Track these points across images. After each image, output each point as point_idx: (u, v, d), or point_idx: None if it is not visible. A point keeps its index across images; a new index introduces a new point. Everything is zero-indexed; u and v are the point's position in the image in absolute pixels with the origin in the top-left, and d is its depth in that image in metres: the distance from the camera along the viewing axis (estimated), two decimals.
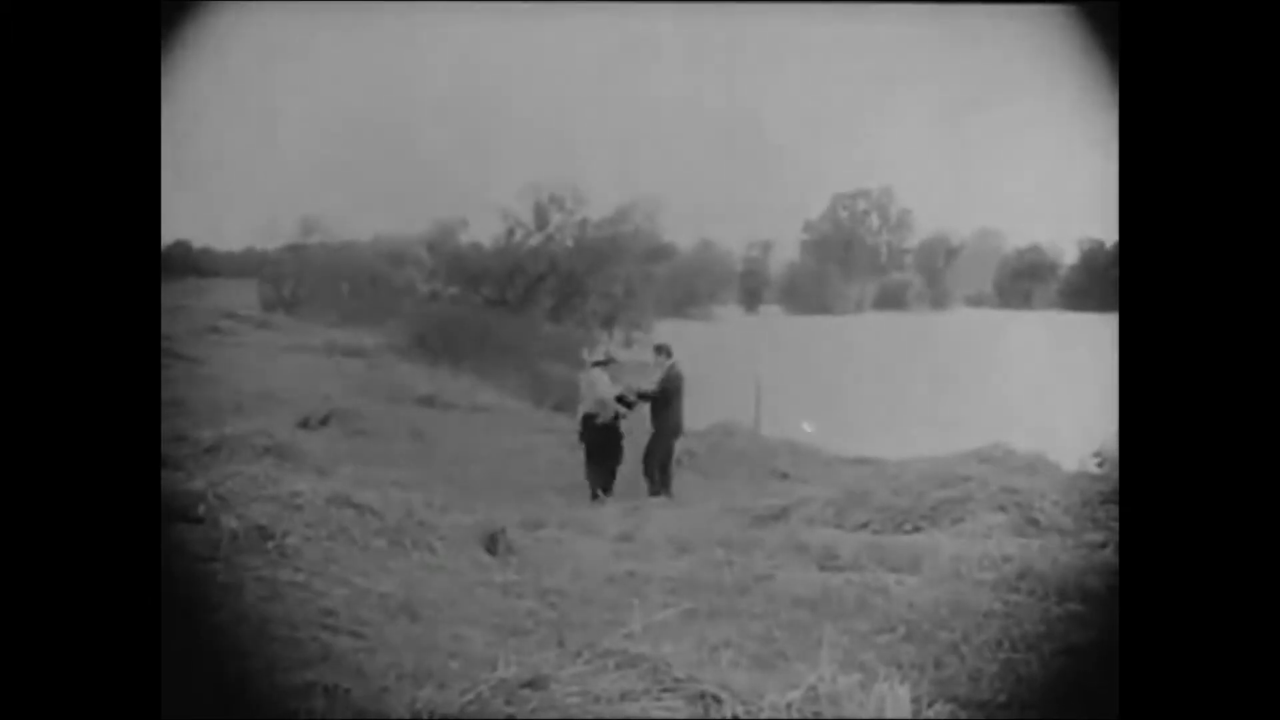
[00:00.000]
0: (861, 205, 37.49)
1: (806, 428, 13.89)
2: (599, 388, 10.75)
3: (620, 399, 10.72)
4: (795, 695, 3.95)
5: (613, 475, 10.66)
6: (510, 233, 27.44)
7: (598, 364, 10.95)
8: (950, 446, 9.38)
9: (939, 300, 37.00)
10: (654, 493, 10.51)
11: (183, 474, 6.66)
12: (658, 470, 10.70)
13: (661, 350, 11.12)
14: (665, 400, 10.73)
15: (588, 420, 10.69)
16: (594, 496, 10.29)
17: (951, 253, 37.69)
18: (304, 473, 7.84)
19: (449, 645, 4.92)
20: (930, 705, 4.22)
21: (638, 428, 10.95)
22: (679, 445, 11.09)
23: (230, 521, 6.00)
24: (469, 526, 6.86)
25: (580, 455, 10.85)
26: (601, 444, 10.66)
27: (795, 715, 3.88)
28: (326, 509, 6.36)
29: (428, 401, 16.59)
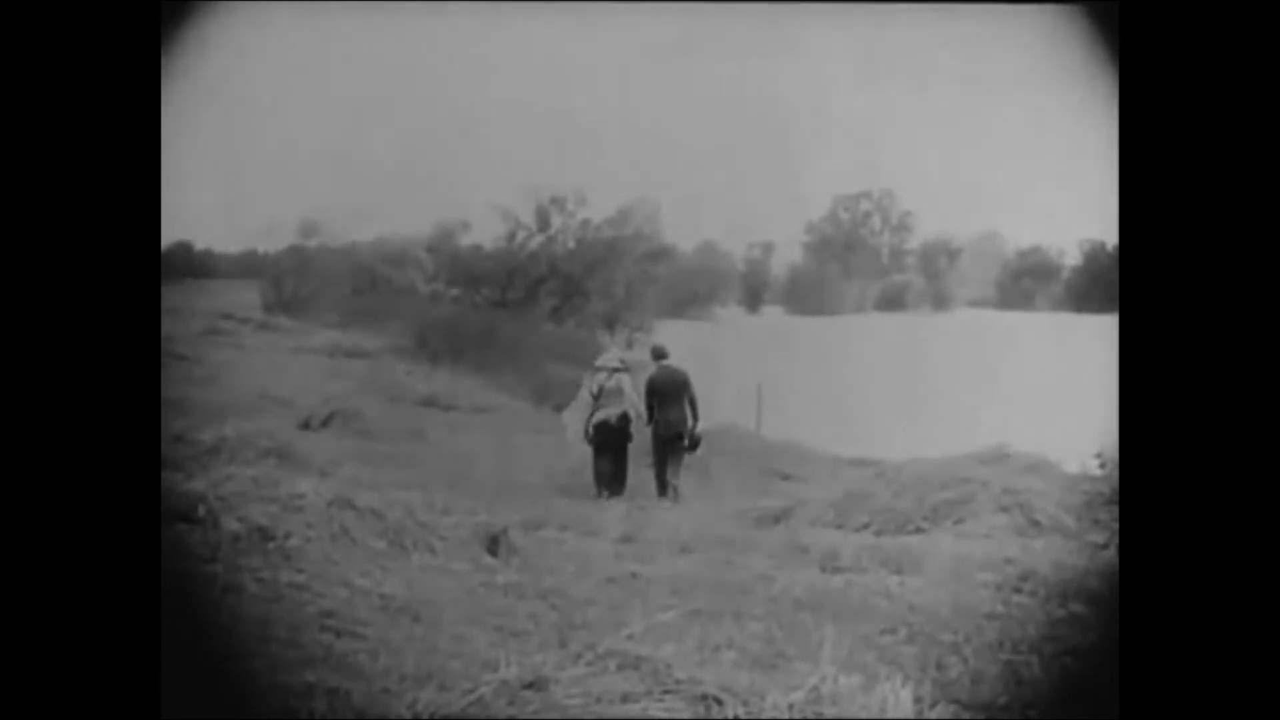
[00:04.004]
0: (863, 206, 37.52)
1: None
2: (630, 393, 10.96)
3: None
4: (797, 696, 3.95)
5: (622, 479, 10.83)
6: (511, 234, 27.46)
7: (617, 370, 11.11)
8: (952, 448, 9.38)
9: (940, 301, 37.01)
10: (660, 495, 10.64)
11: (183, 475, 6.65)
12: (661, 473, 10.81)
13: (654, 353, 11.27)
14: (653, 404, 10.86)
15: (602, 425, 10.83)
16: (607, 496, 10.44)
17: (953, 254, 37.69)
18: (305, 474, 7.84)
19: (450, 646, 4.92)
20: (932, 706, 4.22)
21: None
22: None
23: (231, 522, 6.01)
24: (470, 527, 6.85)
25: (586, 458, 10.99)
26: (616, 446, 10.84)
27: (797, 716, 3.88)
28: (327, 510, 6.36)
29: (429, 402, 16.59)
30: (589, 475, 10.94)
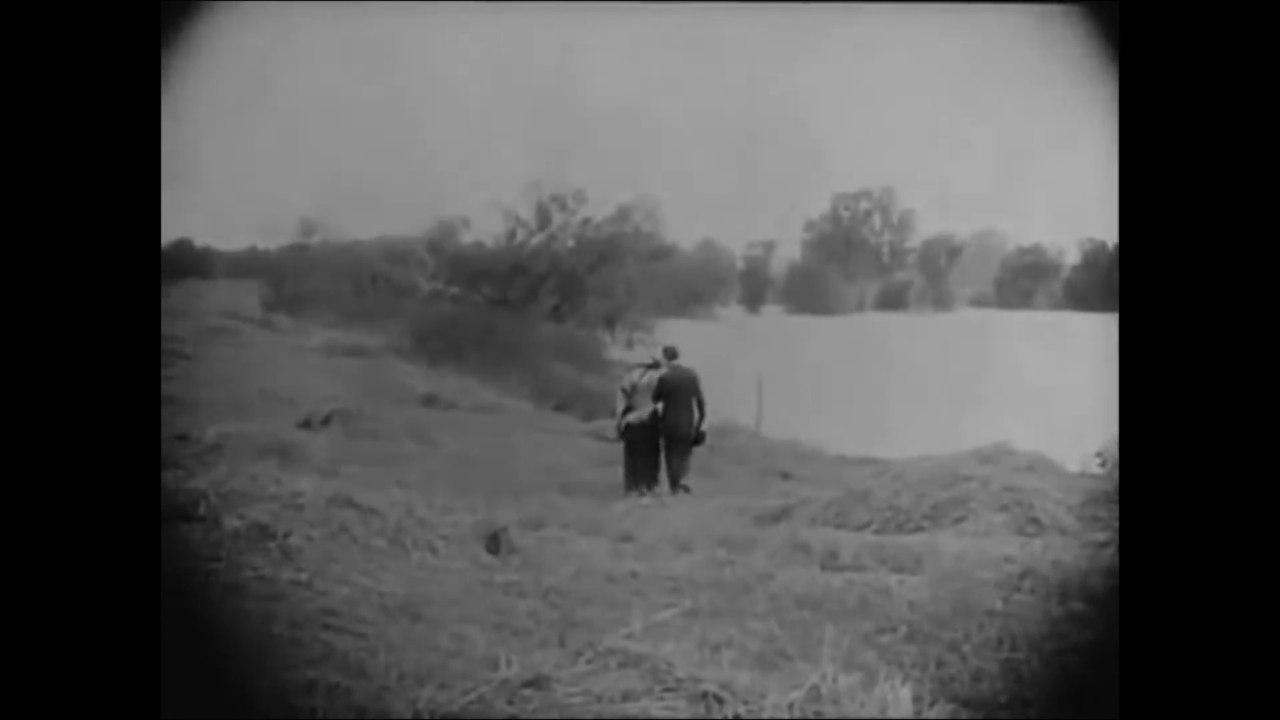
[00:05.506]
0: (863, 205, 37.50)
1: None
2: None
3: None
4: (797, 695, 3.95)
5: (655, 474, 11.01)
6: (512, 233, 27.47)
7: (650, 368, 11.30)
8: (952, 446, 9.38)
9: (941, 300, 37.00)
10: (673, 490, 10.85)
11: (184, 473, 6.65)
12: (673, 470, 11.04)
13: (666, 353, 11.46)
14: (665, 403, 11.03)
15: (634, 423, 11.08)
16: (639, 493, 10.56)
17: (953, 252, 37.67)
18: (305, 472, 7.83)
19: (450, 645, 4.92)
20: (932, 705, 4.22)
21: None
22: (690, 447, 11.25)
23: (232, 521, 6.00)
24: (470, 526, 6.85)
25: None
26: (645, 443, 11.02)
27: (797, 715, 3.89)
28: (328, 509, 6.36)
29: (429, 401, 16.62)
30: (592, 473, 11.00)
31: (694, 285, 33.02)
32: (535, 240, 27.31)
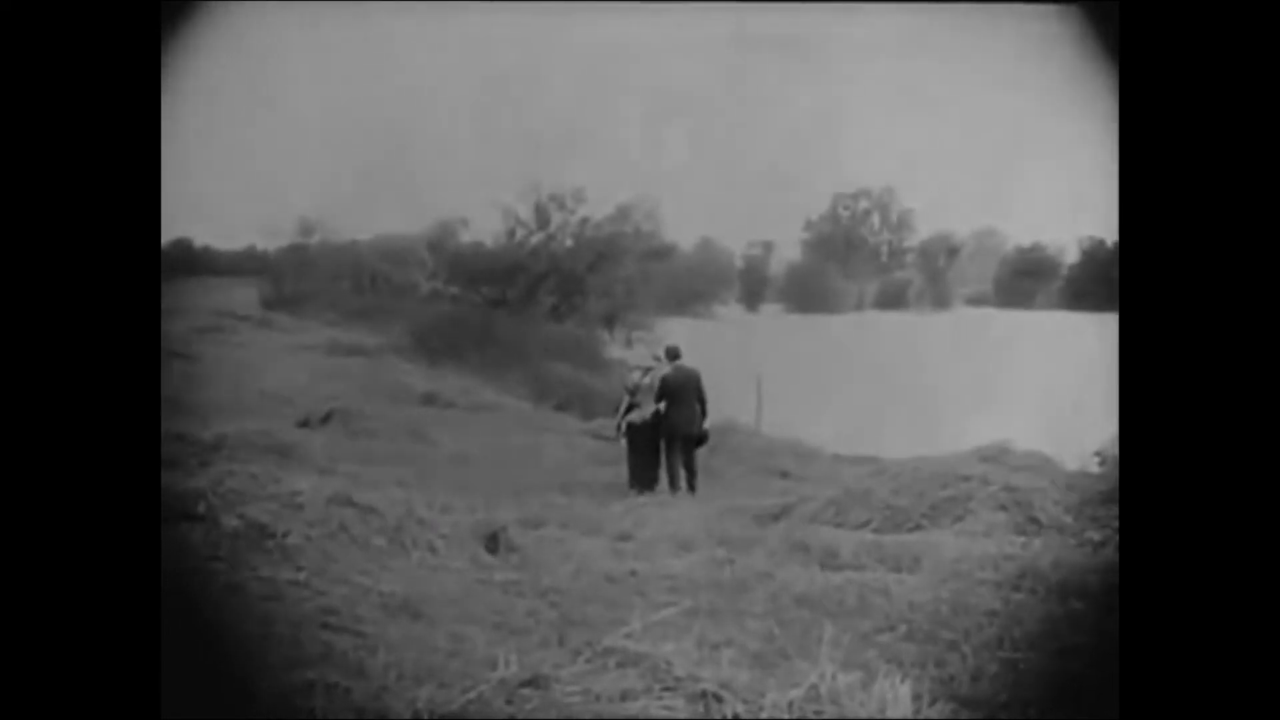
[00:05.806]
0: (863, 205, 37.40)
1: None
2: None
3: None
4: (796, 694, 3.95)
5: (655, 474, 11.03)
6: (511, 232, 27.40)
7: (651, 369, 11.34)
8: (951, 445, 9.39)
9: (940, 299, 36.91)
10: (673, 490, 10.86)
11: (183, 473, 6.65)
12: (674, 470, 11.05)
13: (669, 353, 11.45)
14: (667, 403, 11.04)
15: (635, 424, 11.11)
16: (639, 492, 10.59)
17: (953, 252, 37.60)
18: (305, 472, 7.85)
19: (449, 644, 4.92)
20: (931, 704, 4.23)
21: None
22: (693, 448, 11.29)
23: (231, 520, 6.00)
24: (469, 525, 6.86)
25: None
26: (647, 443, 11.03)
27: (796, 714, 3.89)
28: (327, 508, 6.36)
29: (429, 400, 16.59)
30: (591, 473, 11.01)
31: (693, 284, 32.96)
32: (534, 240, 27.24)
